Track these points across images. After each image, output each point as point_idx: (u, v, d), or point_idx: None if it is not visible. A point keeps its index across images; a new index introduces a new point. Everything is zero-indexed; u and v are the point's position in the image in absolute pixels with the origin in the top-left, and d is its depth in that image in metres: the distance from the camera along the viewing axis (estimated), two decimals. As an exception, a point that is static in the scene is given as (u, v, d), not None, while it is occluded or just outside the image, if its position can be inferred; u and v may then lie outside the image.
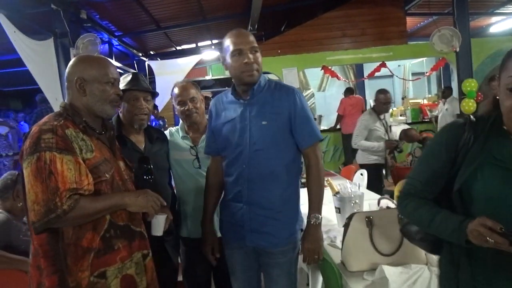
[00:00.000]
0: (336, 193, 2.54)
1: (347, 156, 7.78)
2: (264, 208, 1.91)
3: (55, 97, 4.85)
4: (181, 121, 2.49)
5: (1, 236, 2.37)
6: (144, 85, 2.25)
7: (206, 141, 2.15)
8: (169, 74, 9.19)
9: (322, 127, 8.74)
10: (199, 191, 2.23)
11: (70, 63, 1.65)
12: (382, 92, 4.53)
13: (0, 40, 5.68)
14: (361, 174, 4.22)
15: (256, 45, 1.88)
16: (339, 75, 8.42)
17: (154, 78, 9.47)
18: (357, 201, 2.44)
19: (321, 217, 1.91)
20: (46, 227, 1.41)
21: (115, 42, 7.93)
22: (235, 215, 1.97)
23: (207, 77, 13.53)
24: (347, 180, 3.73)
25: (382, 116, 4.54)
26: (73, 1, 5.55)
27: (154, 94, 2.31)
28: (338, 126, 8.16)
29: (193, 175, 2.36)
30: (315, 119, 8.65)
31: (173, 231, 2.26)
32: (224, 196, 2.08)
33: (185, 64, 9.47)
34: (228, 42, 1.89)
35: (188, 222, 2.39)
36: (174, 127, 2.55)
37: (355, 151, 4.72)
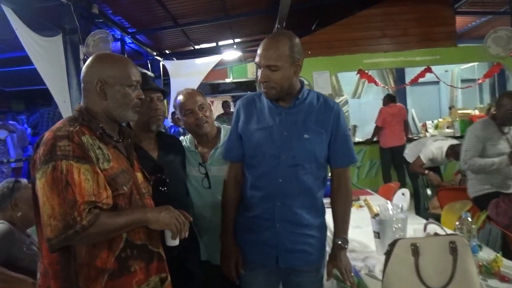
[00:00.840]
0: (375, 215, 2.51)
1: (385, 173, 7.70)
2: (298, 225, 1.99)
3: (63, 99, 4.99)
4: (189, 134, 2.51)
5: (3, 248, 2.39)
6: (154, 84, 2.31)
7: (227, 145, 2.17)
8: (186, 75, 9.32)
9: (357, 139, 8.65)
10: (209, 210, 2.30)
11: (88, 62, 1.68)
12: (510, 95, 3.74)
13: (4, 37, 5.91)
14: (403, 194, 4.16)
15: (273, 63, 1.91)
16: (377, 81, 8.36)
17: (169, 79, 9.62)
18: (399, 225, 2.41)
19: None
20: (64, 245, 1.42)
21: (128, 39, 8.11)
22: (263, 233, 2.01)
23: (228, 80, 13.68)
24: (387, 201, 3.68)
25: (506, 129, 3.78)
26: (84, -6, 5.73)
27: (165, 93, 2.36)
28: (375, 138, 8.09)
29: (202, 193, 2.39)
30: (348, 129, 8.68)
31: (195, 244, 2.29)
32: (243, 211, 2.11)
33: (204, 64, 9.59)
34: (257, 51, 1.98)
35: (202, 242, 2.42)
36: (186, 137, 2.57)
37: (399, 167, 4.60)
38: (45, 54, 4.76)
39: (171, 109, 8.11)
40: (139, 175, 1.75)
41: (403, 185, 6.24)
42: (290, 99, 2.02)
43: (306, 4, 8.05)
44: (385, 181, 7.39)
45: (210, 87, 13.94)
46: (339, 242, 2.04)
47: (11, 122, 7.92)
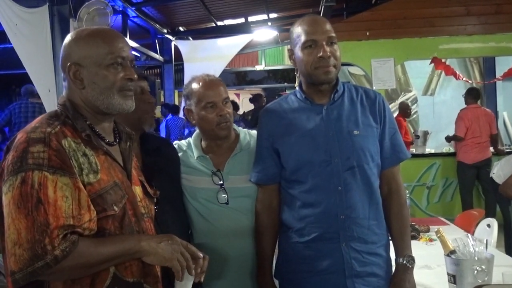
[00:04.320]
0: (450, 252, 2.47)
1: (465, 196, 7.55)
2: (367, 242, 2.12)
3: (47, 88, 5.08)
4: (195, 135, 2.50)
5: None
6: (138, 70, 2.31)
7: (258, 167, 2.26)
8: (204, 60, 9.40)
9: (428, 149, 8.54)
10: (226, 236, 2.28)
11: (64, 42, 1.69)
12: None
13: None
14: (488, 226, 4.08)
15: (334, 35, 2.12)
16: (457, 73, 8.24)
17: (182, 65, 9.74)
18: (483, 267, 2.36)
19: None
20: (31, 280, 1.41)
21: (131, 12, 8.25)
22: (325, 259, 2.11)
23: (258, 67, 13.71)
24: (468, 234, 3.62)
25: None
26: (78, -47, 5.86)
27: (149, 81, 2.38)
28: (451, 148, 7.97)
29: (214, 213, 2.36)
30: (417, 136, 8.61)
31: None
32: (294, 239, 2.19)
33: (228, 47, 9.67)
34: (298, 31, 2.14)
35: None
36: (184, 141, 2.57)
37: (484, 189, 4.50)
38: (26, 29, 4.87)
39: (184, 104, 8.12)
40: (137, 190, 1.75)
41: (489, 213, 6.10)
42: (326, 93, 2.19)
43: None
44: (464, 207, 7.24)
45: (236, 76, 14.04)
46: (404, 262, 2.14)
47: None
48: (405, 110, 9.00)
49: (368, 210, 2.13)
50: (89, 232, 1.49)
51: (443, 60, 7.74)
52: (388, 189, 2.22)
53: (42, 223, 1.40)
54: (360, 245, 2.10)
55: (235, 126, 2.52)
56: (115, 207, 1.58)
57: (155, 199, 2.02)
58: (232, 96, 12.58)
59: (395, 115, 8.66)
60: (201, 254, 1.67)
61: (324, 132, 2.14)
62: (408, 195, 7.44)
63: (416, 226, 3.80)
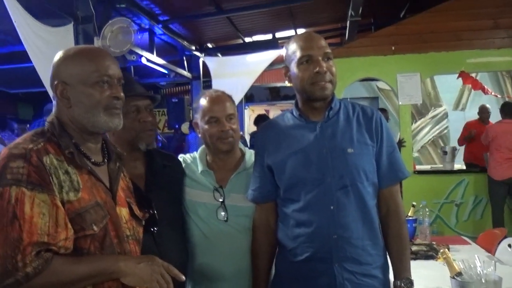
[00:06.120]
0: (456, 274, 2.39)
1: (497, 215, 7.37)
2: (361, 263, 2.09)
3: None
4: (201, 149, 2.54)
5: None
6: (141, 89, 2.33)
7: (255, 184, 2.26)
8: (233, 75, 9.43)
9: (457, 166, 8.38)
10: (223, 253, 2.27)
11: (53, 60, 1.71)
12: None
13: (7, 27, 6.20)
14: (509, 246, 3.95)
15: (329, 50, 2.14)
16: (486, 87, 8.08)
17: (211, 81, 9.78)
18: (489, 289, 2.28)
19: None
20: None
21: (158, 30, 8.34)
22: (318, 279, 2.09)
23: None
24: (486, 253, 3.51)
25: None
26: (103, -28, 5.97)
27: (155, 100, 2.39)
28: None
29: (213, 229, 2.36)
30: (445, 152, 8.45)
31: None
32: (287, 258, 2.19)
33: (256, 63, 9.68)
34: (294, 47, 2.16)
35: None
36: (189, 155, 2.59)
37: None
38: (46, 49, 4.94)
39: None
40: (123, 211, 1.75)
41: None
42: (321, 110, 2.18)
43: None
44: (495, 225, 7.06)
45: (269, 92, 14.04)
46: (402, 285, 2.12)
47: (9, 133, 8.28)
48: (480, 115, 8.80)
49: (362, 230, 2.10)
50: (65, 250, 1.49)
51: (472, 74, 7.60)
52: (387, 209, 2.20)
53: (15, 239, 1.41)
54: (354, 266, 2.07)
55: (241, 145, 2.53)
56: (94, 227, 1.58)
57: (156, 220, 2.03)
58: (261, 111, 12.61)
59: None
60: (183, 277, 1.65)
61: (317, 149, 2.13)
62: (436, 212, 7.38)
63: (435, 246, 3.71)
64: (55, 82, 1.66)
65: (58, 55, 1.71)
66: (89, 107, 1.65)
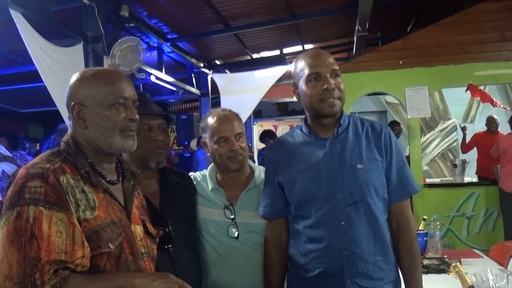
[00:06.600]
0: (469, 288, 2.39)
1: (508, 226, 7.32)
2: (373, 278, 2.09)
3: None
4: (210, 167, 2.54)
5: None
6: (155, 107, 2.35)
7: (266, 201, 2.27)
8: (240, 92, 9.44)
9: (467, 179, 8.34)
10: (233, 269, 2.28)
11: (70, 81, 1.75)
12: None
13: (18, 47, 6.29)
14: (522, 258, 3.92)
15: (337, 67, 2.16)
16: (494, 99, 8.06)
17: (219, 98, 9.82)
18: (502, 303, 2.28)
19: None
20: None
21: (166, 48, 8.41)
22: None
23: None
24: (499, 266, 3.49)
25: None
26: (112, -7, 6.04)
27: (170, 120, 2.41)
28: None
29: (224, 245, 2.37)
30: (455, 165, 8.41)
31: None
32: (299, 274, 2.20)
33: (264, 78, 9.70)
34: (302, 65, 2.18)
35: None
36: (199, 173, 2.60)
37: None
38: (58, 69, 5.02)
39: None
40: (138, 229, 1.78)
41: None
42: (330, 127, 2.19)
43: (399, -2, 8.01)
44: (507, 238, 7.01)
45: (278, 107, 14.05)
46: None
47: (22, 152, 8.37)
48: (487, 126, 8.74)
49: (374, 245, 2.10)
50: (82, 268, 1.51)
51: (480, 87, 7.58)
52: (397, 224, 2.20)
53: (33, 258, 1.43)
54: (366, 282, 2.07)
55: (251, 162, 2.54)
56: (110, 245, 1.60)
57: (171, 238, 2.04)
58: (269, 127, 12.62)
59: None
60: None
61: (327, 166, 2.14)
62: (447, 225, 7.32)
63: (446, 259, 3.69)
64: (72, 103, 1.70)
65: (75, 77, 1.75)
66: (105, 128, 1.69)
